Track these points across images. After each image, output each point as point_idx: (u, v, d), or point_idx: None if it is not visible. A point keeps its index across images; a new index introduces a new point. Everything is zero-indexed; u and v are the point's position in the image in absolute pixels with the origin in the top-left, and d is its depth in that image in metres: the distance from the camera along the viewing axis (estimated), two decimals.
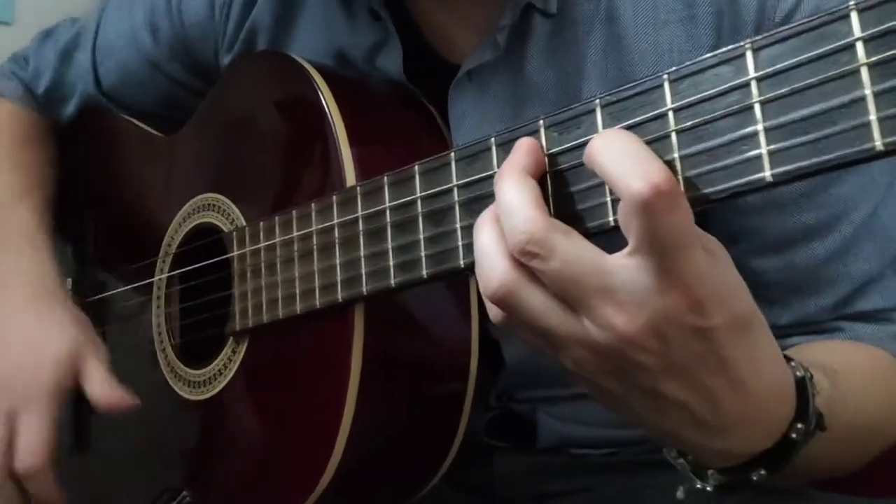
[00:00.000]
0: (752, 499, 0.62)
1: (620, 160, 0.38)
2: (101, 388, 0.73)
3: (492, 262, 0.42)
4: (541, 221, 0.40)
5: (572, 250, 0.40)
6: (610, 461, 0.75)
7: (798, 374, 0.46)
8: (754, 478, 0.46)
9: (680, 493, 0.49)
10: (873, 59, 0.33)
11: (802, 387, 0.46)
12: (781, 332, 0.63)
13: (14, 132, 0.91)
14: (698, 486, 0.48)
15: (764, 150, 0.36)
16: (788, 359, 0.47)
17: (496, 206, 0.43)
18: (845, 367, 0.57)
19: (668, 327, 0.39)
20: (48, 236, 0.84)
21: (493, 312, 0.44)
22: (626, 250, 0.39)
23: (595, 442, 0.75)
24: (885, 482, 0.76)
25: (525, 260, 0.40)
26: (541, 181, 0.43)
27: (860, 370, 0.60)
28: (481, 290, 0.43)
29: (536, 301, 0.41)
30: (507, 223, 0.41)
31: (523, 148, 0.44)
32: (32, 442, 0.72)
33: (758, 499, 0.62)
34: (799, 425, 0.45)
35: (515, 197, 0.41)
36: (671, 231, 0.37)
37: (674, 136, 0.39)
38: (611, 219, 0.42)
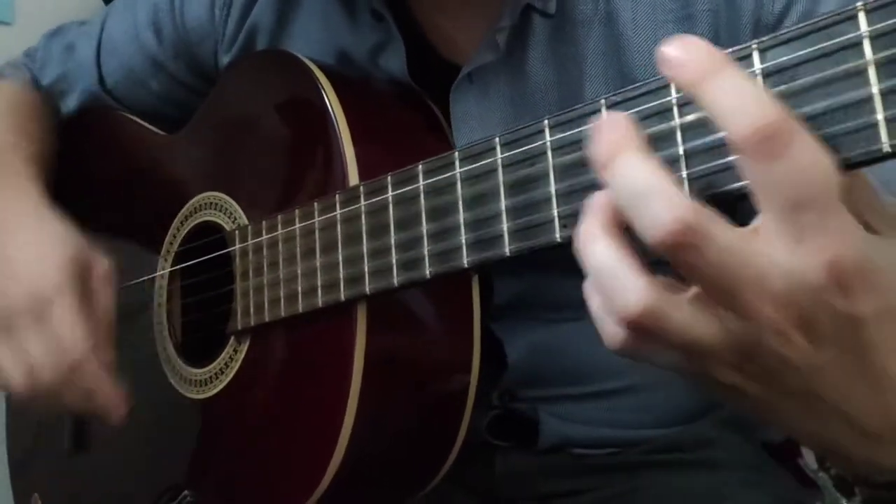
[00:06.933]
0: None
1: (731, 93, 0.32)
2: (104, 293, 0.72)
3: (623, 282, 0.34)
4: (688, 203, 0.32)
5: (728, 234, 0.32)
6: (612, 461, 0.74)
7: None
8: None
9: None
10: (881, 55, 0.33)
11: None
12: None
13: (13, 102, 0.90)
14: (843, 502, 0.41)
15: None
16: None
17: (611, 193, 0.35)
18: None
19: (814, 312, 0.33)
20: (43, 188, 0.80)
21: (620, 340, 0.36)
22: (755, 221, 0.33)
23: (597, 442, 0.74)
24: None
25: (674, 254, 0.33)
26: None
27: None
28: (610, 315, 0.35)
29: (682, 314, 0.34)
30: (645, 210, 0.33)
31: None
32: (65, 335, 0.68)
33: None
34: None
35: (650, 177, 0.33)
36: (794, 182, 0.31)
37: (678, 134, 0.39)
38: None
